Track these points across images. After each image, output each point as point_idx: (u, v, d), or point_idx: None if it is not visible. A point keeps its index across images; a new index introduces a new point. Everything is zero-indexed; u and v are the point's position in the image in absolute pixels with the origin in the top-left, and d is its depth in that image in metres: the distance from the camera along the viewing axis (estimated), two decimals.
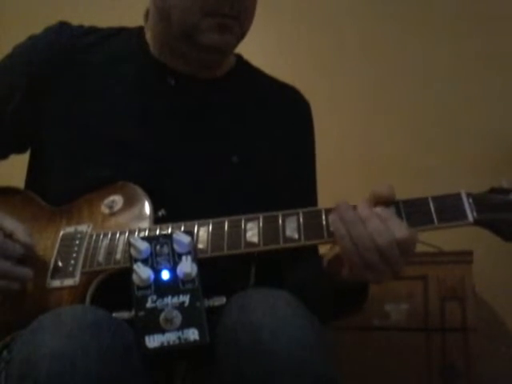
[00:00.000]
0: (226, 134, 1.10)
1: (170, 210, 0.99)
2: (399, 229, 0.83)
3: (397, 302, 1.59)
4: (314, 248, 1.06)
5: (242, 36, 1.08)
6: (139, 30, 1.15)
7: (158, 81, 1.10)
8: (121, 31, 1.16)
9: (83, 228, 0.97)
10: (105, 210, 0.99)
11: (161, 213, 0.98)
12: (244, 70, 1.19)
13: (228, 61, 1.17)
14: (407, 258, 0.85)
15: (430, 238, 1.57)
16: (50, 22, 1.14)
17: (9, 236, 0.93)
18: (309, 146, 1.20)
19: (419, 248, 1.62)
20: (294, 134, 1.16)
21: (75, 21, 1.16)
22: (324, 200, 1.04)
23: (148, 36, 1.13)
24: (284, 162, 1.12)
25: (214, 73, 1.14)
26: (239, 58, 1.20)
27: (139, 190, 0.99)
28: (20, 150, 1.17)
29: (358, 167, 2.01)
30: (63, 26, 1.13)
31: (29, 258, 0.94)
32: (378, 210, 0.85)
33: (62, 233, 0.98)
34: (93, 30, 1.15)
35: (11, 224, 0.95)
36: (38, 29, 1.14)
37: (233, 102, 1.13)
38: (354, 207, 0.86)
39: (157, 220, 0.96)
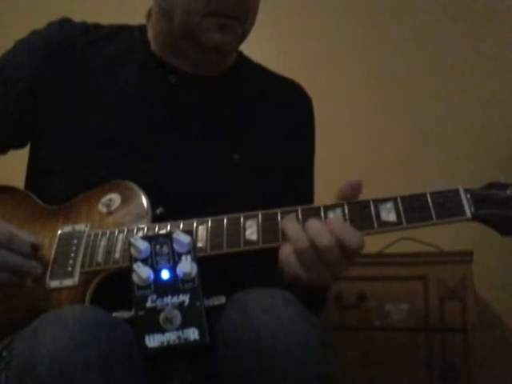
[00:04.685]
0: (227, 131, 1.10)
1: (168, 208, 0.99)
2: (350, 236, 0.83)
3: (397, 302, 1.59)
4: None
5: (243, 37, 1.08)
6: (141, 29, 1.15)
7: (159, 79, 1.10)
8: (123, 29, 1.16)
9: (81, 227, 0.97)
10: (102, 208, 0.99)
11: (159, 210, 0.98)
12: (245, 66, 1.19)
13: (229, 58, 1.17)
14: (351, 263, 0.85)
15: (430, 238, 1.58)
16: (52, 18, 1.14)
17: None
18: (309, 143, 1.20)
19: (419, 248, 1.65)
20: (294, 131, 1.16)
21: (78, 17, 1.16)
22: (323, 199, 1.04)
23: (150, 34, 1.14)
24: (284, 158, 1.13)
25: (215, 70, 1.14)
26: (240, 54, 1.20)
27: (136, 188, 0.99)
28: (19, 145, 1.17)
29: (357, 166, 2.01)
30: (65, 22, 1.14)
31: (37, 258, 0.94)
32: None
33: (59, 232, 0.97)
34: (95, 27, 1.15)
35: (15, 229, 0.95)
36: (40, 24, 1.14)
37: (233, 100, 1.14)
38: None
39: (155, 218, 0.96)
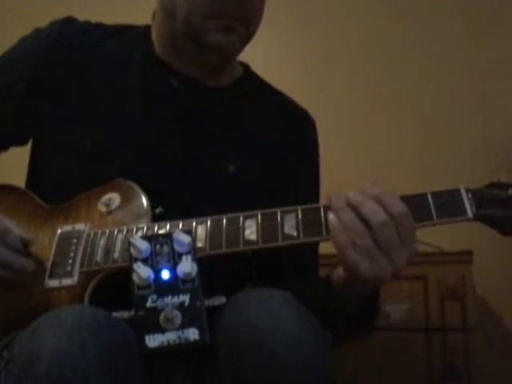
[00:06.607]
0: (225, 142, 1.09)
1: (167, 208, 0.98)
2: (394, 204, 0.82)
3: (397, 302, 1.59)
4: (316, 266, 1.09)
5: (247, 39, 1.07)
6: (145, 29, 1.15)
7: (161, 81, 1.09)
8: (127, 29, 1.15)
9: (80, 227, 0.97)
10: (102, 208, 0.98)
11: (158, 210, 0.98)
12: (250, 81, 1.18)
13: (234, 70, 1.16)
14: (409, 248, 0.84)
15: (430, 238, 1.57)
16: (55, 17, 1.14)
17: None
18: (312, 167, 1.19)
19: (419, 248, 1.63)
20: (297, 152, 1.14)
21: (82, 16, 1.16)
22: (322, 200, 1.04)
23: (153, 36, 1.13)
24: (285, 177, 1.11)
25: (219, 80, 1.13)
26: (246, 68, 1.19)
27: (136, 188, 0.99)
28: (20, 142, 1.16)
29: (357, 167, 2.01)
30: (69, 20, 1.13)
31: (27, 254, 0.94)
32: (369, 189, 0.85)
33: (59, 231, 0.97)
34: (98, 27, 1.14)
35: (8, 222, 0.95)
36: (43, 23, 1.13)
37: (235, 112, 1.12)
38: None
39: (154, 218, 0.96)
